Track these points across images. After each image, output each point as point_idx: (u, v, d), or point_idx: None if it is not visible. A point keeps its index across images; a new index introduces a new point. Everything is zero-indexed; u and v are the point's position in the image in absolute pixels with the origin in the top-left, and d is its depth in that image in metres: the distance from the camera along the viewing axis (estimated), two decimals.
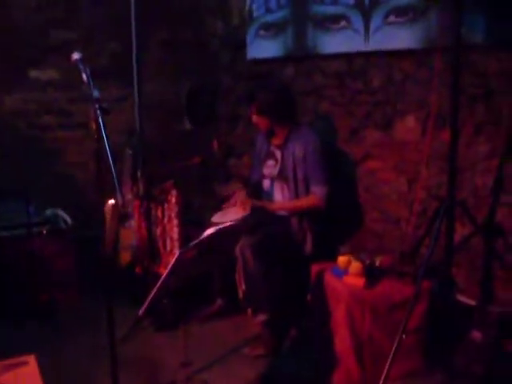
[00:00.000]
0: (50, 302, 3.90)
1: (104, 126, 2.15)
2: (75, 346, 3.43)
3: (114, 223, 4.02)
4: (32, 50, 4.42)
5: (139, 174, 3.85)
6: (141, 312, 2.78)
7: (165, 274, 2.53)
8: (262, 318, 3.39)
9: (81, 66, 2.28)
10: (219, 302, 3.81)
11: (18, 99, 4.41)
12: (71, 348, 3.42)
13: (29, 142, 4.43)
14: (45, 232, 3.97)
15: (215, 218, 3.58)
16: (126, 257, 4.04)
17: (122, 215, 4.00)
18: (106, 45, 4.67)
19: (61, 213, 4.15)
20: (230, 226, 3.01)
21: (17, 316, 3.75)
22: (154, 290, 2.56)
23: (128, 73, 4.66)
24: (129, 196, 3.93)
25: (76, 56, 2.30)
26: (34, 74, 4.47)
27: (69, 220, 4.11)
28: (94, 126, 2.14)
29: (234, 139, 5.05)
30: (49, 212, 4.14)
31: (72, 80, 4.34)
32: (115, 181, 2.07)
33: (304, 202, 3.58)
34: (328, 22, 3.79)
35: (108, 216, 3.92)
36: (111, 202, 3.92)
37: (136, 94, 4.50)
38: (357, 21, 3.56)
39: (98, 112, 2.15)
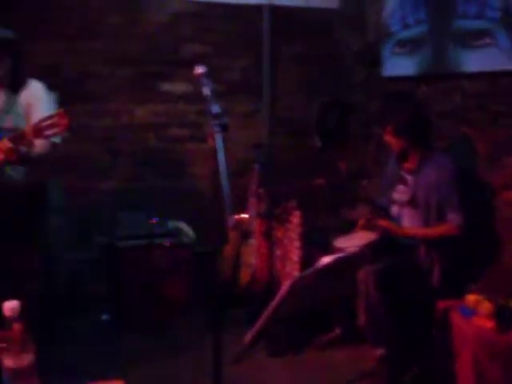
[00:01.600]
0: (163, 315, 3.90)
1: (223, 141, 2.08)
2: (182, 362, 3.39)
3: (236, 240, 3.99)
4: (164, 64, 4.50)
5: (263, 191, 3.77)
6: (248, 339, 2.68)
7: (276, 300, 2.41)
8: (380, 351, 3.18)
9: (204, 80, 2.25)
10: (337, 330, 3.63)
11: (148, 111, 4.50)
12: (177, 364, 3.38)
13: (157, 154, 4.50)
14: (167, 244, 3.98)
15: (339, 243, 3.42)
16: (245, 274, 3.98)
17: (244, 232, 3.96)
18: (237, 59, 4.65)
19: (183, 226, 4.16)
20: (352, 253, 2.85)
21: (130, 327, 3.79)
22: (264, 317, 2.45)
23: (258, 87, 4.65)
24: (252, 213, 3.87)
25: (200, 70, 2.27)
26: (165, 86, 4.54)
27: (191, 233, 4.11)
28: (211, 142, 2.08)
29: (363, 160, 4.85)
30: (172, 224, 4.15)
31: (202, 93, 4.37)
32: (228, 197, 2.01)
33: (439, 229, 3.32)
34: (470, 38, 3.52)
35: (231, 232, 3.90)
36: (236, 217, 3.90)
37: (266, 109, 4.46)
38: (502, 37, 3.27)
39: (217, 128, 2.09)
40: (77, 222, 4.15)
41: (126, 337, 3.73)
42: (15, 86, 3.17)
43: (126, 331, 3.79)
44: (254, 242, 3.87)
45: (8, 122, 3.10)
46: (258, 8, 4.62)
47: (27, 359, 1.52)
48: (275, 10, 4.63)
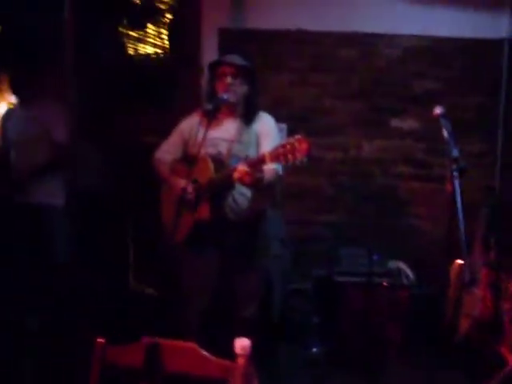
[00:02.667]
0: (377, 355, 3.79)
1: (460, 186, 1.97)
2: None
3: (457, 286, 3.76)
4: (394, 99, 4.43)
5: (492, 239, 3.52)
6: None
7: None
8: None
9: (442, 122, 2.15)
10: None
11: (376, 146, 4.45)
12: None
13: (381, 190, 4.42)
14: (385, 284, 3.88)
15: None
16: (464, 324, 3.73)
17: (468, 279, 3.72)
18: (471, 97, 4.43)
19: (403, 266, 4.03)
20: None
21: (340, 362, 3.73)
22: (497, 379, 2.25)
23: (493, 126, 4.41)
24: (478, 260, 3.63)
25: (438, 110, 2.20)
26: (394, 123, 4.45)
27: (411, 275, 3.97)
28: (449, 187, 1.97)
29: None
30: (391, 264, 4.04)
31: (433, 131, 4.21)
32: (464, 242, 1.91)
33: None
34: None
35: (453, 277, 3.68)
36: (458, 262, 3.68)
37: (499, 149, 4.21)
38: None
39: (456, 172, 1.99)
40: (294, 252, 4.21)
41: (335, 373, 3.67)
42: (248, 116, 3.28)
43: (335, 367, 3.74)
44: (477, 291, 3.61)
45: (241, 151, 3.19)
46: (496, 42, 4.37)
47: None
48: None
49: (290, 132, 4.18)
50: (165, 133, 3.41)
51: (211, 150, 3.12)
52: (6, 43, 4.34)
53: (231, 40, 4.27)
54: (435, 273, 3.42)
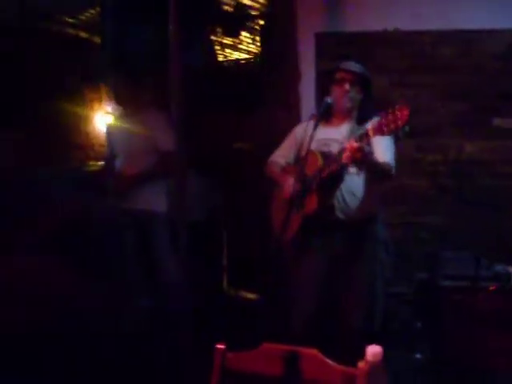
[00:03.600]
0: (487, 364, 3.67)
1: None
2: None
3: None
4: (496, 98, 4.29)
5: None
6: None
7: None
8: None
9: None
10: None
11: (477, 147, 4.32)
12: None
13: (484, 191, 4.29)
14: (491, 288, 3.75)
15: None
16: None
17: None
18: None
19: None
20: None
21: (445, 369, 3.63)
22: None
23: None
24: None
25: None
26: (496, 122, 4.32)
27: None
28: None
29: None
30: (499, 268, 3.89)
31: None
32: None
33: None
34: None
35: None
36: None
37: None
38: None
39: None
40: (396, 255, 4.14)
41: (440, 381, 3.59)
42: (360, 120, 3.29)
43: (440, 374, 3.65)
44: None
45: None
46: None
47: None
48: None
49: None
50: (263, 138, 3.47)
51: (323, 149, 3.16)
52: (112, 56, 4.52)
53: (328, 44, 4.26)
54: None
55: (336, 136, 3.20)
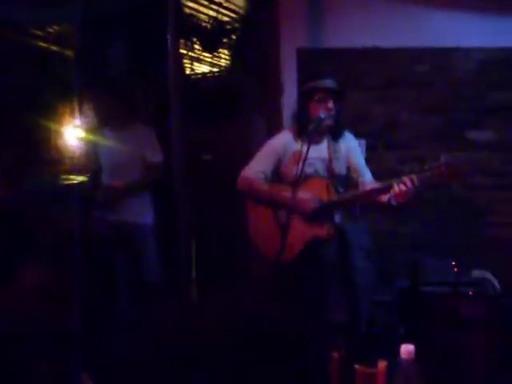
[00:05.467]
0: (465, 367, 3.79)
1: None
2: None
3: None
4: (469, 112, 4.47)
5: None
6: None
7: None
8: None
9: None
10: None
11: (453, 158, 4.46)
12: None
13: (460, 202, 4.45)
14: (470, 294, 3.89)
15: None
16: None
17: None
18: None
19: (489, 276, 4.03)
20: None
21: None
22: None
23: None
24: None
25: None
26: (470, 135, 4.50)
27: (497, 285, 3.97)
28: None
29: None
30: (476, 274, 4.05)
31: (509, 142, 4.38)
32: None
33: None
34: None
35: None
36: None
37: None
38: None
39: None
40: (377, 263, 4.25)
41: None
42: (336, 135, 3.39)
43: (423, 378, 3.74)
44: None
45: (340, 168, 3.38)
46: None
47: None
48: None
49: (368, 147, 4.31)
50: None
51: (308, 170, 3.23)
52: (97, 71, 4.53)
53: (309, 60, 4.38)
54: None
55: (318, 155, 3.31)
